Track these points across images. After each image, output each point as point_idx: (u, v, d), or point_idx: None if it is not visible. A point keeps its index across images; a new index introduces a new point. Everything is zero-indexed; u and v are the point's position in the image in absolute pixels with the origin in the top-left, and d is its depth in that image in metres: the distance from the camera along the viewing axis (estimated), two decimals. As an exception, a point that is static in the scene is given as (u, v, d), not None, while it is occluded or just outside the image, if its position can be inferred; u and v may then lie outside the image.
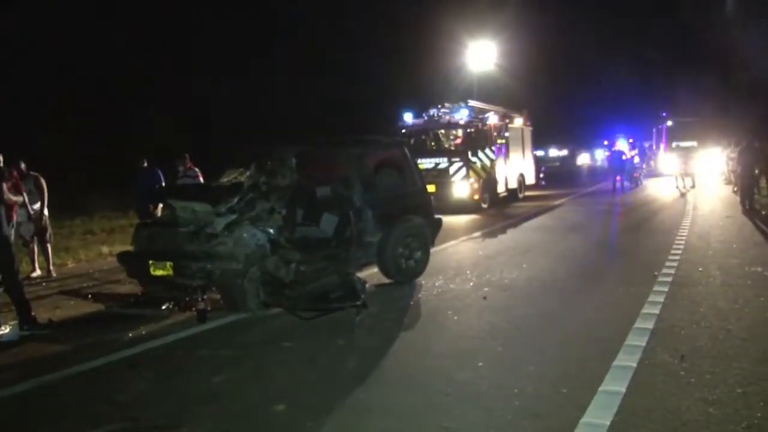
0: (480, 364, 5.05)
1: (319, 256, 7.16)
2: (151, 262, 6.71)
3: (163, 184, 12.20)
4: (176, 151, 12.97)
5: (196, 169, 12.41)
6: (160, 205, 10.96)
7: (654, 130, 34.39)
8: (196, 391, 4.81)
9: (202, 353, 5.78)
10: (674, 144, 30.18)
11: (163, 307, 7.28)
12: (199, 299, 6.67)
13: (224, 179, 8.09)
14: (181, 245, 6.74)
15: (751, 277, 7.71)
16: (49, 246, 10.36)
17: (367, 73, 44.76)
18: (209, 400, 4.60)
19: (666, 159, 29.84)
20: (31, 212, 9.90)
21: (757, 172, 16.44)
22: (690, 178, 23.59)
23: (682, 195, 21.01)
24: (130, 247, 7.71)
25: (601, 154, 55.33)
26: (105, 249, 12.57)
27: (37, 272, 10.17)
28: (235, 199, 6.86)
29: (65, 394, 4.94)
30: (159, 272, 6.64)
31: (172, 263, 6.52)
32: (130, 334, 6.38)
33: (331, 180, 8.09)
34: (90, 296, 8.38)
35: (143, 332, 6.46)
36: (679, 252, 9.61)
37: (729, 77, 35.23)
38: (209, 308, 6.78)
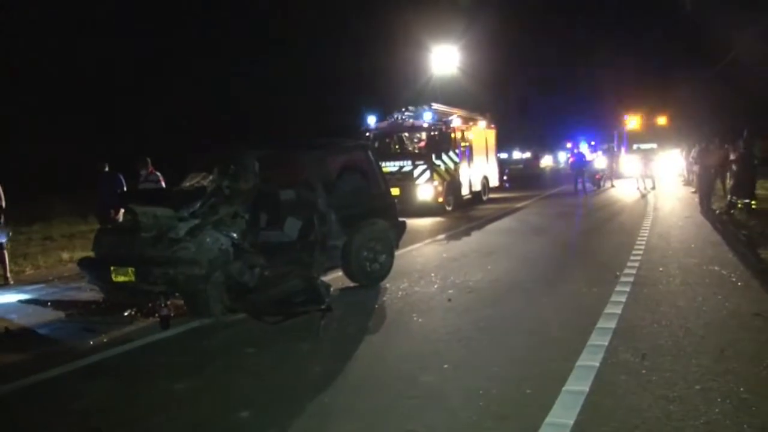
0: (445, 366, 5.07)
1: (283, 261, 7.11)
2: (112, 268, 6.57)
3: (125, 188, 12.00)
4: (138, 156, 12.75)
5: (158, 174, 12.22)
6: (122, 210, 10.78)
7: (615, 132, 34.92)
8: (158, 398, 4.74)
9: (164, 360, 5.70)
10: (635, 146, 30.69)
11: (125, 314, 7.17)
12: (162, 305, 6.56)
13: (187, 183, 8.00)
14: (143, 251, 6.61)
15: (709, 276, 7.88)
16: (5, 252, 10.09)
17: (331, 76, 44.78)
18: (172, 407, 4.54)
19: (627, 161, 30.29)
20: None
21: (713, 172, 16.78)
22: (650, 179, 24.00)
23: (643, 196, 21.35)
24: (90, 253, 7.56)
25: (563, 157, 56.14)
26: (65, 255, 12.32)
27: (-7, 280, 9.93)
28: (198, 204, 6.78)
29: (22, 405, 4.82)
30: (121, 278, 6.51)
31: (134, 269, 6.40)
32: (91, 342, 6.26)
33: (294, 184, 8.05)
34: (49, 303, 8.19)
35: (105, 339, 6.34)
36: (641, 252, 9.78)
37: (689, 79, 36.01)
38: (172, 314, 6.70)
